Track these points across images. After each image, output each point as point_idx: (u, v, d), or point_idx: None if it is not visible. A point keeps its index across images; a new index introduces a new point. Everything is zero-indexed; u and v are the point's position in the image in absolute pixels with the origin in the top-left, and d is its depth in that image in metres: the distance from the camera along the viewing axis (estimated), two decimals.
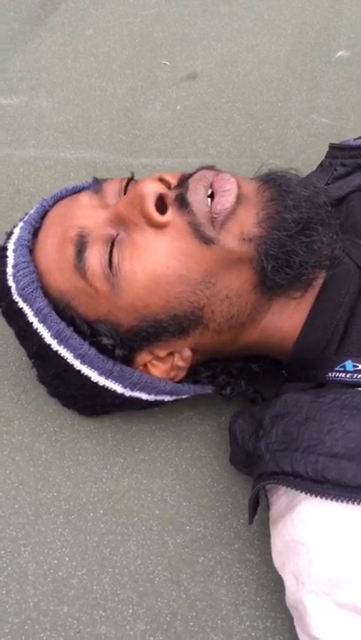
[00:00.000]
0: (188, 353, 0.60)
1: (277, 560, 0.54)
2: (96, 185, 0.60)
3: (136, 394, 0.61)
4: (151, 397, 0.63)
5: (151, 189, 0.54)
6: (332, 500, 0.48)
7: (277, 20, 1.13)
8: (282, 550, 0.53)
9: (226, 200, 0.53)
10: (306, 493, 0.50)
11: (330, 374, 0.56)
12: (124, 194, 0.58)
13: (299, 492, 0.50)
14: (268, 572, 0.61)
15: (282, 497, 0.55)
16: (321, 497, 0.49)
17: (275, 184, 0.56)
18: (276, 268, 0.54)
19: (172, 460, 0.69)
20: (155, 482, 0.67)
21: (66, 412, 0.71)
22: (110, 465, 0.68)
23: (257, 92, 1.02)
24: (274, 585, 0.61)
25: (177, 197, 0.54)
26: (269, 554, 0.62)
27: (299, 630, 0.52)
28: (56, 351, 0.58)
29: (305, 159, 0.93)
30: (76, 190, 0.66)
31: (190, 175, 0.56)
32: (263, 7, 1.15)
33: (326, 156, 0.75)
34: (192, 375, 0.64)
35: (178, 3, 1.17)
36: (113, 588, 0.62)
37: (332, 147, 0.74)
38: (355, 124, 0.96)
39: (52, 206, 0.63)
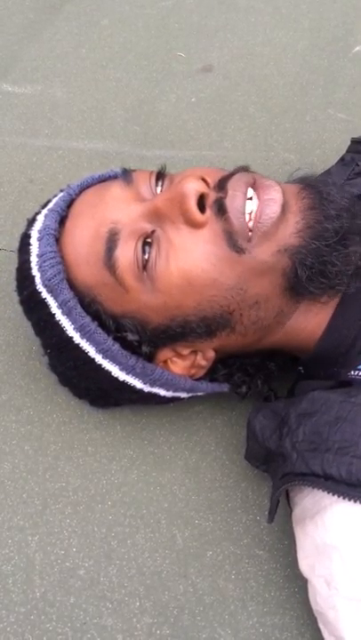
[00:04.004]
0: (211, 354, 0.60)
1: (305, 563, 0.53)
2: (127, 176, 0.58)
3: (155, 390, 0.61)
4: (169, 394, 0.62)
5: (193, 188, 0.53)
6: None
7: (295, 13, 1.12)
8: (311, 553, 0.52)
9: (272, 210, 0.52)
10: (338, 496, 0.49)
11: (352, 372, 0.56)
12: (156, 186, 0.57)
13: (330, 494, 0.49)
14: (277, 569, 0.61)
15: (306, 497, 0.54)
16: (355, 501, 0.48)
17: (315, 191, 0.55)
18: (310, 277, 0.53)
19: (181, 454, 0.68)
20: (164, 475, 0.67)
21: (76, 402, 0.70)
22: (119, 457, 0.68)
23: (273, 86, 1.01)
24: (282, 581, 0.60)
25: (216, 201, 0.53)
26: (278, 550, 0.62)
27: (326, 634, 0.51)
28: (78, 344, 0.58)
29: (320, 154, 0.92)
30: (102, 179, 0.65)
31: (228, 177, 0.55)
32: (280, 1, 1.14)
33: (348, 151, 0.74)
34: (210, 373, 0.63)
35: None
36: (120, 580, 0.61)
37: (355, 141, 0.73)
38: None
39: (78, 195, 0.62)
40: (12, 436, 0.69)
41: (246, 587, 0.60)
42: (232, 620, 0.59)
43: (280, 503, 0.55)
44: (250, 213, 0.53)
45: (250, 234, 0.52)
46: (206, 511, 0.65)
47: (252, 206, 0.53)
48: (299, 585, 0.59)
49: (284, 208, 0.53)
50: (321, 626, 0.52)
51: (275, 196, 0.53)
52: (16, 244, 0.63)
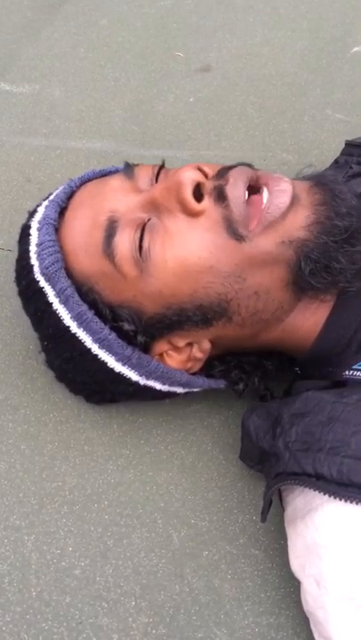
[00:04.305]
0: (207, 345, 0.59)
1: (296, 562, 0.53)
2: (128, 169, 0.59)
3: (150, 383, 0.61)
4: (165, 388, 0.62)
5: (189, 177, 0.53)
6: (357, 503, 0.48)
7: (293, 14, 1.12)
8: (302, 553, 0.52)
9: (280, 201, 0.52)
10: (329, 496, 0.49)
11: (347, 372, 0.56)
12: (156, 181, 0.58)
13: (321, 494, 0.49)
14: (273, 569, 0.61)
15: (298, 497, 0.54)
16: (346, 500, 0.48)
17: (327, 188, 0.55)
18: (313, 271, 0.53)
19: (178, 453, 0.68)
20: (160, 474, 0.67)
21: (72, 401, 0.70)
22: (116, 456, 0.68)
23: (271, 86, 1.01)
24: (278, 581, 0.60)
25: (215, 188, 0.54)
26: (274, 550, 0.62)
27: (316, 634, 0.52)
28: (74, 334, 0.58)
29: (318, 154, 0.92)
30: (104, 174, 0.65)
31: (230, 168, 0.55)
32: (279, 1, 1.14)
33: (342, 153, 0.74)
34: (206, 369, 0.63)
35: None
36: (116, 579, 0.61)
37: (349, 144, 0.73)
38: None
39: (79, 187, 0.62)
40: (8, 435, 0.69)
41: (242, 586, 0.60)
42: (228, 619, 0.59)
43: (275, 503, 0.55)
44: (261, 206, 0.53)
45: (254, 222, 0.52)
46: (203, 511, 0.65)
47: (262, 199, 0.53)
48: (294, 585, 0.59)
49: (294, 201, 0.53)
50: (312, 627, 0.53)
51: (285, 187, 0.53)
52: (13, 244, 0.63)
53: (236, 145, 0.94)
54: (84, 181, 0.63)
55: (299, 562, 0.53)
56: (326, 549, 0.49)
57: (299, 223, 0.53)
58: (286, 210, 0.52)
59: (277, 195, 0.53)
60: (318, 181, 0.56)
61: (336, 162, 0.75)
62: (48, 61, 1.06)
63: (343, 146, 0.76)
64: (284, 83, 1.02)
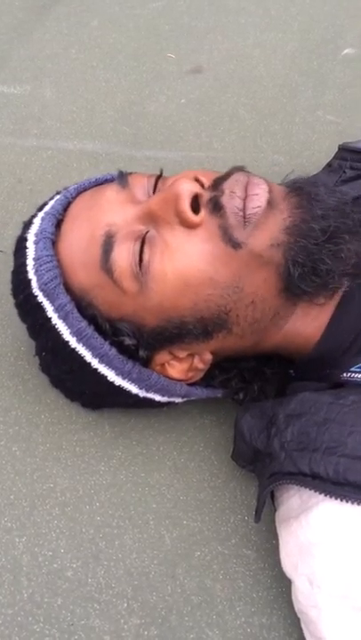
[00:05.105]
0: (208, 356, 0.59)
1: (288, 561, 0.53)
2: (122, 179, 0.58)
3: (150, 395, 0.61)
4: (164, 399, 0.62)
5: (187, 189, 0.53)
6: (353, 502, 0.48)
7: (284, 15, 1.13)
8: (295, 552, 0.52)
9: (255, 204, 0.52)
10: (325, 495, 0.49)
11: (345, 375, 0.56)
12: (154, 191, 0.57)
13: (317, 493, 0.50)
14: (265, 569, 0.61)
15: (293, 497, 0.54)
16: (341, 499, 0.48)
17: (303, 191, 0.55)
18: (302, 275, 0.53)
19: (170, 454, 0.68)
20: (152, 475, 0.67)
21: (64, 403, 0.70)
22: (108, 457, 0.68)
23: (262, 88, 1.02)
24: (270, 581, 0.60)
25: (211, 200, 0.53)
26: (266, 550, 0.62)
27: (307, 634, 0.52)
28: (74, 349, 0.57)
29: (309, 156, 0.92)
30: (99, 182, 0.64)
31: (224, 178, 0.54)
32: (270, 3, 1.15)
33: (335, 157, 0.74)
34: (206, 378, 0.63)
35: None
36: (108, 581, 0.61)
37: (342, 148, 0.73)
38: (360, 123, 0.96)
39: (74, 198, 0.61)
40: None
41: (234, 587, 0.60)
42: (220, 620, 0.59)
43: (267, 503, 0.55)
44: (241, 210, 0.53)
45: (245, 224, 0.52)
46: (195, 511, 0.65)
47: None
48: (286, 585, 0.59)
49: (271, 204, 0.53)
50: (303, 626, 0.53)
51: (258, 191, 0.53)
52: (4, 244, 0.63)
53: (227, 146, 0.94)
54: (80, 191, 0.62)
55: (291, 561, 0.53)
56: (320, 548, 0.50)
57: (279, 226, 0.53)
58: (264, 213, 0.52)
59: (251, 198, 0.52)
60: (295, 185, 0.56)
61: (330, 165, 0.75)
62: (39, 62, 1.06)
63: (334, 147, 0.76)
64: (275, 84, 1.02)
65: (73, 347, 0.57)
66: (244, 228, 0.52)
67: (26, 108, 0.99)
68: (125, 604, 0.60)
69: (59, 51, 1.08)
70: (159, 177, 0.58)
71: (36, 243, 0.58)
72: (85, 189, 0.63)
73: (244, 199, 0.53)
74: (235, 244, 0.52)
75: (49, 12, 1.14)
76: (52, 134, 0.96)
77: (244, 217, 0.52)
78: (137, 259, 0.53)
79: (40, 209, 0.62)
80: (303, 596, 0.51)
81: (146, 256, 0.53)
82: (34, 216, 0.62)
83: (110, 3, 1.16)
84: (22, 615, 0.59)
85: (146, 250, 0.53)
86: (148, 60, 1.06)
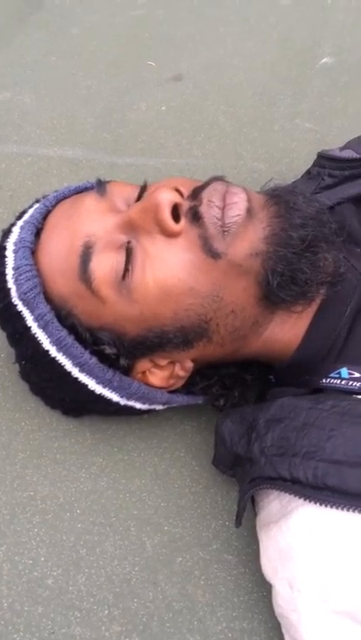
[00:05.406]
0: (189, 364, 0.60)
1: (269, 566, 0.53)
2: (101, 187, 0.58)
3: (131, 403, 0.61)
4: (145, 407, 0.62)
5: (167, 198, 0.53)
6: (331, 507, 0.48)
7: (263, 25, 1.14)
8: (275, 556, 0.53)
9: (234, 213, 0.52)
10: (304, 500, 0.49)
11: (324, 380, 0.56)
12: (136, 200, 0.57)
13: (296, 497, 0.50)
14: (246, 573, 0.61)
15: (273, 502, 0.54)
16: (320, 504, 0.49)
17: (281, 200, 0.55)
18: (281, 284, 0.54)
19: (150, 460, 0.68)
20: (133, 482, 0.67)
21: (44, 410, 0.70)
22: (88, 464, 0.68)
23: (242, 96, 1.03)
24: (251, 586, 0.61)
25: (190, 209, 0.54)
26: (247, 555, 0.62)
27: (288, 638, 0.52)
28: (54, 357, 0.57)
29: (288, 163, 0.93)
30: (79, 190, 0.64)
31: (203, 187, 0.55)
32: (249, 12, 1.16)
33: (314, 165, 0.74)
34: (187, 385, 0.63)
35: (165, 4, 1.17)
36: (89, 588, 0.61)
37: (321, 156, 0.74)
38: (338, 131, 0.97)
39: (54, 206, 0.61)
40: None
41: (215, 592, 0.61)
42: (201, 625, 0.59)
43: (247, 508, 0.55)
44: (220, 220, 0.53)
45: (225, 234, 0.53)
46: (176, 517, 0.65)
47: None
48: (267, 589, 0.59)
49: (250, 213, 0.53)
50: (284, 630, 0.53)
51: (236, 200, 0.53)
52: None
53: (207, 153, 0.95)
54: (59, 199, 0.62)
55: (271, 565, 0.53)
56: (300, 552, 0.50)
57: (258, 235, 0.53)
58: (244, 222, 0.53)
59: (230, 207, 0.53)
60: (273, 194, 0.56)
61: (308, 173, 0.75)
62: (19, 69, 1.06)
63: (313, 155, 0.77)
64: (254, 92, 1.03)
65: (53, 356, 0.57)
66: (223, 238, 0.52)
67: (6, 114, 0.99)
68: (106, 611, 0.60)
69: (39, 57, 1.08)
70: (144, 188, 0.58)
71: (15, 252, 0.58)
72: (65, 198, 0.63)
73: (223, 208, 0.53)
74: (214, 255, 0.53)
75: (29, 18, 1.14)
76: (32, 141, 0.96)
77: (223, 226, 0.52)
78: (116, 268, 0.53)
79: (19, 217, 0.62)
80: (284, 600, 0.51)
81: (127, 266, 0.53)
82: (13, 225, 0.62)
83: (90, 10, 1.16)
84: (2, 624, 0.58)
85: (127, 260, 0.53)
86: (128, 68, 1.07)
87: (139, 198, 0.58)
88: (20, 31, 1.12)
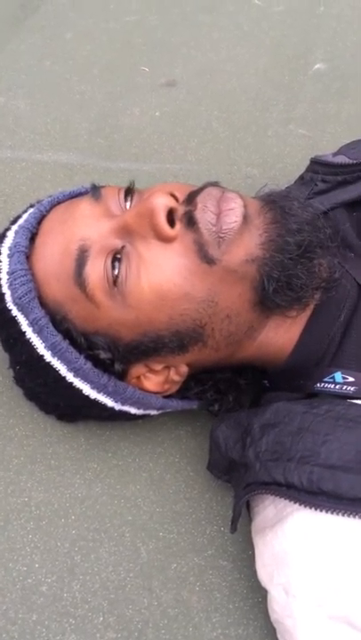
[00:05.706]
0: (184, 368, 0.60)
1: (264, 572, 0.53)
2: (95, 192, 0.58)
3: (125, 408, 0.61)
4: (140, 412, 0.62)
5: (162, 203, 0.53)
6: (326, 511, 0.48)
7: (256, 31, 1.15)
8: (270, 562, 0.52)
9: (231, 220, 0.52)
10: (300, 504, 0.49)
11: (318, 385, 0.57)
12: (125, 202, 0.57)
13: (291, 502, 0.50)
14: (241, 579, 0.61)
15: (268, 507, 0.54)
16: (315, 508, 0.49)
17: (276, 206, 0.55)
18: (277, 290, 0.54)
19: (145, 466, 0.68)
20: (128, 487, 0.67)
21: (38, 415, 0.70)
22: (83, 470, 0.67)
23: (235, 102, 1.03)
24: (246, 592, 0.60)
25: (185, 214, 0.54)
26: (243, 560, 0.62)
27: None
28: (49, 362, 0.57)
29: (282, 168, 0.94)
30: (73, 195, 0.64)
31: (198, 192, 0.55)
32: (243, 18, 1.17)
33: (307, 170, 0.75)
34: (182, 390, 0.63)
35: (158, 10, 1.18)
36: (83, 595, 0.60)
37: (314, 162, 0.74)
38: (331, 136, 0.98)
39: (48, 211, 0.61)
40: None
41: (210, 598, 0.60)
42: (196, 632, 0.59)
43: (243, 514, 0.55)
44: (215, 225, 0.53)
45: (220, 241, 0.53)
46: (171, 523, 0.64)
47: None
48: (263, 595, 0.59)
49: (247, 220, 0.53)
50: (279, 636, 0.53)
51: (233, 206, 0.53)
52: None
53: (201, 159, 0.95)
54: (54, 204, 0.62)
55: (266, 571, 0.53)
56: (295, 557, 0.50)
57: (254, 241, 0.53)
58: (240, 229, 0.53)
59: (226, 214, 0.53)
60: (269, 200, 0.56)
61: (302, 178, 0.76)
62: (13, 74, 1.06)
63: (306, 160, 0.78)
64: (248, 98, 1.04)
65: (47, 360, 0.57)
66: (218, 246, 0.52)
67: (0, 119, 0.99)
68: (101, 618, 0.59)
69: (33, 62, 1.08)
70: (129, 189, 0.58)
71: (9, 256, 0.58)
72: (59, 202, 0.63)
73: (219, 214, 0.53)
74: (209, 260, 0.53)
75: (23, 23, 1.14)
76: (26, 146, 0.96)
77: (219, 233, 0.52)
78: (110, 273, 0.53)
79: (13, 222, 0.62)
80: (279, 605, 0.51)
81: (123, 271, 0.53)
82: (7, 229, 0.61)
83: (84, 15, 1.17)
84: None
85: (122, 265, 0.53)
86: (122, 73, 1.07)
87: (125, 200, 0.58)
88: (14, 36, 1.12)
